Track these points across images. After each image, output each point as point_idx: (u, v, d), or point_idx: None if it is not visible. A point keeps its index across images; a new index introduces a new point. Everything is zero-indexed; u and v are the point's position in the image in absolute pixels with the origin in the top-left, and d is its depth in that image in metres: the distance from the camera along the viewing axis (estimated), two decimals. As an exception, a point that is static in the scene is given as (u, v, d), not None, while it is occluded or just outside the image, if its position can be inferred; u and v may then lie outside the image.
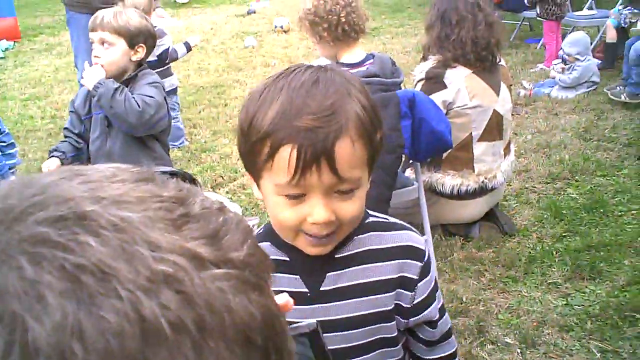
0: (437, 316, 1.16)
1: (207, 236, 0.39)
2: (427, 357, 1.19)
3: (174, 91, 4.83)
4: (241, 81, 6.67)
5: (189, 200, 0.41)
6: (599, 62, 5.79)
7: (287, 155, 0.91)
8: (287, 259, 1.09)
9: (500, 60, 3.18)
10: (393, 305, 1.10)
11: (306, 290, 1.09)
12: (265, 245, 1.09)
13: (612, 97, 5.01)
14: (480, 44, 3.00)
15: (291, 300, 0.61)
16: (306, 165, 0.91)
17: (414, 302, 1.11)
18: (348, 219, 1.00)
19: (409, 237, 1.12)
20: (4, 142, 3.43)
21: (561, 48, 5.67)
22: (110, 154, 2.63)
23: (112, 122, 2.62)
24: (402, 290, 1.10)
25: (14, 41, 9.38)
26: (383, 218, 1.16)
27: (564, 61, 5.56)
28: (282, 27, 8.89)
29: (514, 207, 3.65)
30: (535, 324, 2.66)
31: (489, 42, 3.03)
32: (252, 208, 3.87)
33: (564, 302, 2.80)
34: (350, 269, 1.09)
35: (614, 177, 3.89)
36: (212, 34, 9.26)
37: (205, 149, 4.90)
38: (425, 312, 1.13)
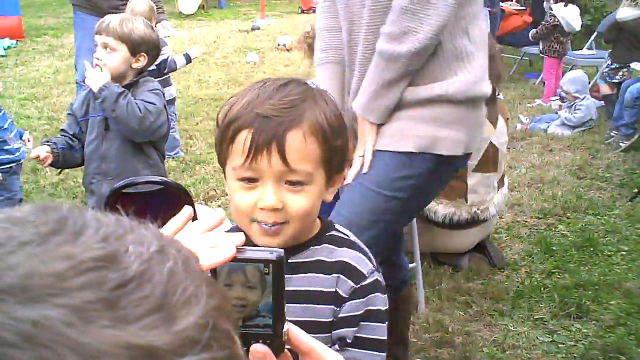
0: (350, 340, 1.13)
1: (155, 308, 0.31)
2: None
3: (171, 101, 4.82)
4: (240, 96, 6.69)
5: (121, 253, 0.33)
6: (597, 101, 5.87)
7: (242, 139, 1.01)
8: None
9: (499, 94, 3.20)
10: (332, 319, 1.14)
11: None
12: None
13: (613, 149, 5.04)
14: (481, 76, 3.02)
15: (269, 352, 0.62)
16: (258, 149, 1.00)
17: (336, 318, 1.14)
18: (295, 212, 1.05)
19: (353, 256, 1.15)
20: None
21: (560, 86, 5.73)
22: (105, 157, 2.64)
23: (110, 126, 2.63)
24: (333, 306, 1.14)
25: (17, 40, 9.40)
26: (344, 235, 1.19)
27: (562, 99, 5.63)
28: (284, 45, 8.95)
29: (504, 240, 3.65)
30: None
31: (490, 75, 3.04)
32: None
33: (550, 339, 2.79)
34: (300, 275, 1.13)
35: (605, 217, 3.90)
36: (215, 47, 9.31)
37: (200, 160, 4.89)
38: (340, 330, 1.13)
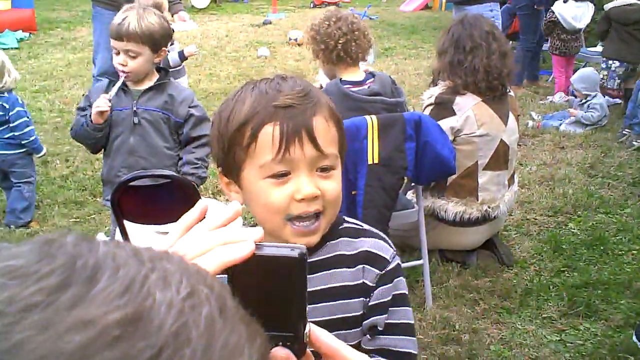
0: (381, 328, 1.13)
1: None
2: None
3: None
4: (251, 90, 6.69)
5: (148, 307, 0.28)
6: (609, 98, 5.81)
7: (269, 132, 0.97)
8: None
9: (509, 91, 3.18)
10: (362, 311, 1.12)
11: None
12: None
13: (627, 147, 4.99)
14: (493, 73, 3.00)
15: (291, 356, 0.58)
16: (289, 138, 0.96)
17: (366, 309, 1.13)
18: (331, 197, 1.02)
19: (374, 244, 1.14)
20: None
21: (571, 83, 5.69)
22: (134, 151, 2.67)
23: (140, 120, 2.65)
24: (363, 297, 1.12)
25: (30, 33, 9.44)
26: (357, 225, 1.18)
27: (574, 96, 5.59)
28: (296, 39, 8.93)
29: (513, 237, 3.63)
30: (526, 358, 2.64)
31: (501, 71, 3.02)
32: (251, 217, 3.85)
33: (558, 338, 2.77)
34: (322, 273, 1.10)
35: (616, 215, 3.87)
36: (226, 42, 9.31)
37: (210, 155, 4.89)
38: (371, 319, 1.13)
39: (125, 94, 2.66)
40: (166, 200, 2.35)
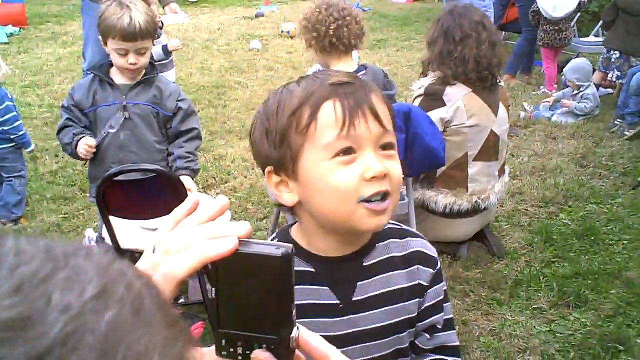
0: (440, 326, 1.14)
1: None
2: None
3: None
4: (242, 83, 6.65)
5: (39, 309, 0.25)
6: (601, 89, 5.80)
7: (331, 108, 0.92)
8: (312, 269, 1.05)
9: (500, 81, 3.16)
10: (417, 312, 1.11)
11: (337, 301, 1.06)
12: None
13: (618, 137, 4.98)
14: (483, 63, 2.98)
15: (271, 358, 0.57)
16: (352, 112, 0.91)
17: (421, 308, 1.11)
18: (396, 178, 0.97)
19: (422, 244, 1.13)
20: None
21: (563, 73, 5.66)
22: (124, 146, 2.64)
23: (130, 115, 2.63)
24: (418, 298, 1.11)
25: (20, 27, 9.36)
26: (395, 224, 1.16)
27: (566, 87, 5.57)
28: (288, 32, 8.88)
29: (504, 228, 3.62)
30: (516, 349, 2.63)
31: (490, 61, 3.00)
32: (242, 212, 3.84)
33: (548, 329, 2.77)
34: (378, 276, 1.08)
35: (607, 205, 3.87)
36: (218, 35, 9.25)
37: (200, 148, 4.82)
38: (431, 319, 1.13)
39: (113, 88, 2.62)
40: (152, 195, 2.34)
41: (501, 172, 3.26)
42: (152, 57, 4.44)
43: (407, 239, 1.12)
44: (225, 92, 6.37)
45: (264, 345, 0.58)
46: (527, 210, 3.83)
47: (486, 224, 3.36)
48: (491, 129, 3.09)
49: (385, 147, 0.96)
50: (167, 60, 4.58)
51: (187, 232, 0.58)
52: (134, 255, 2.63)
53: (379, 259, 1.08)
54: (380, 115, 0.94)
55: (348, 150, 0.92)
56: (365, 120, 0.92)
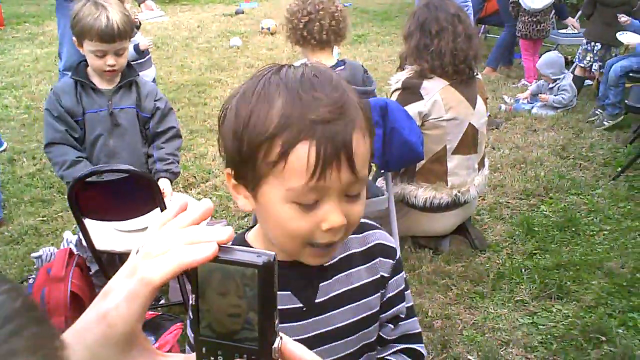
0: (403, 315, 1.14)
1: None
2: (378, 357, 1.16)
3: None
4: (223, 81, 6.60)
5: None
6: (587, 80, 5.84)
7: (304, 153, 0.82)
8: None
9: (477, 74, 3.15)
10: (378, 307, 1.10)
11: (300, 304, 1.04)
12: None
13: (596, 127, 5.01)
14: (459, 56, 2.97)
15: None
16: (326, 163, 0.82)
17: (384, 300, 1.11)
18: (353, 223, 0.92)
19: (381, 236, 1.12)
20: None
21: (537, 69, 5.69)
22: (115, 152, 2.56)
23: (119, 121, 2.55)
24: (381, 291, 1.10)
25: (-4, 28, 9.23)
26: None
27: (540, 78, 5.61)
28: (268, 28, 8.84)
29: (486, 221, 3.62)
30: (499, 342, 2.63)
31: (467, 54, 2.99)
32: (223, 211, 3.81)
33: (530, 321, 2.77)
34: (339, 275, 1.06)
35: (588, 197, 3.88)
36: (198, 32, 9.18)
37: (181, 147, 4.81)
38: (393, 310, 1.12)
39: (96, 93, 2.53)
40: (126, 196, 2.29)
41: (481, 165, 3.26)
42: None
43: (365, 233, 1.11)
44: (206, 90, 6.32)
45: (245, 355, 0.56)
46: (508, 202, 3.83)
47: (467, 217, 3.36)
48: (469, 122, 3.08)
49: (352, 195, 0.89)
50: (145, 59, 4.52)
51: (168, 236, 0.56)
52: (113, 257, 2.59)
53: (339, 257, 1.06)
54: (357, 162, 0.85)
55: (310, 203, 0.87)
56: (338, 171, 0.83)
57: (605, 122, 4.99)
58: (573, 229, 3.49)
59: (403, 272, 1.14)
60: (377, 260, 1.10)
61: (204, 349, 0.57)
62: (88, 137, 2.54)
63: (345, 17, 2.73)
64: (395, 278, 1.12)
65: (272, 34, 8.70)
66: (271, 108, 0.84)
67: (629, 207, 3.73)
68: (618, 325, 2.70)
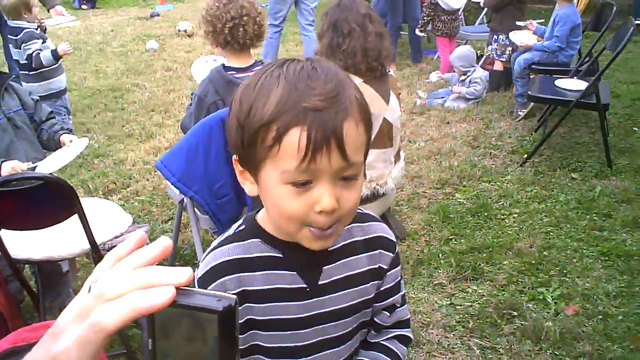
0: (399, 304, 1.23)
1: None
2: (374, 341, 1.25)
3: (62, 92, 4.53)
4: (140, 85, 6.50)
5: None
6: (487, 73, 6.12)
7: (296, 137, 0.88)
8: (281, 255, 1.08)
9: (389, 70, 3.28)
10: (373, 294, 1.17)
11: (304, 285, 1.09)
12: (254, 242, 1.08)
13: (515, 119, 5.29)
14: (371, 55, 3.08)
15: None
16: (316, 147, 0.88)
17: (380, 290, 1.18)
18: (348, 209, 0.97)
19: (383, 229, 1.18)
20: None
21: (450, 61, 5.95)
22: (28, 155, 2.66)
23: (18, 124, 2.65)
24: (377, 280, 1.17)
25: None
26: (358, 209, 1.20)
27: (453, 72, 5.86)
28: (185, 31, 8.76)
29: (405, 211, 3.77)
30: (420, 324, 2.77)
31: (379, 52, 3.11)
32: (145, 215, 3.78)
33: (448, 302, 2.92)
34: (342, 261, 1.12)
35: (498, 183, 4.11)
36: (112, 36, 8.98)
37: (99, 154, 4.73)
38: (390, 299, 1.20)
39: None
40: (42, 204, 2.25)
41: (397, 158, 3.40)
42: (40, 62, 4.29)
43: (368, 223, 1.17)
44: (123, 95, 6.20)
45: None
46: (425, 192, 4.01)
47: (386, 208, 3.49)
48: (384, 117, 3.20)
49: (347, 178, 0.95)
50: (58, 64, 4.41)
51: (123, 276, 0.52)
52: (33, 266, 2.53)
53: (343, 243, 1.13)
54: (348, 148, 0.90)
55: (304, 182, 0.92)
56: (328, 155, 0.89)
57: (520, 113, 5.28)
58: (485, 214, 3.70)
59: (400, 265, 1.22)
60: (378, 251, 1.16)
61: None
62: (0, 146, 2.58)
63: (264, 18, 2.79)
64: (393, 271, 1.19)
65: (189, 36, 8.62)
66: (269, 97, 0.91)
67: (535, 190, 3.98)
68: (528, 301, 2.90)
